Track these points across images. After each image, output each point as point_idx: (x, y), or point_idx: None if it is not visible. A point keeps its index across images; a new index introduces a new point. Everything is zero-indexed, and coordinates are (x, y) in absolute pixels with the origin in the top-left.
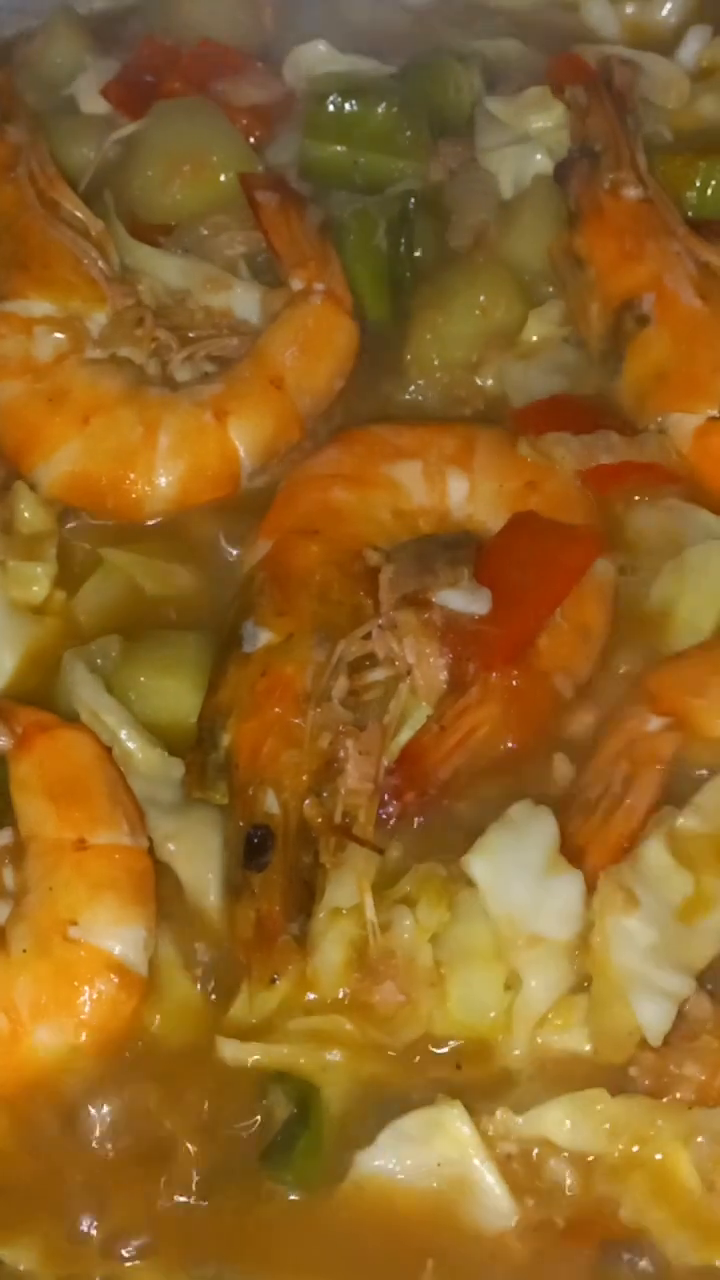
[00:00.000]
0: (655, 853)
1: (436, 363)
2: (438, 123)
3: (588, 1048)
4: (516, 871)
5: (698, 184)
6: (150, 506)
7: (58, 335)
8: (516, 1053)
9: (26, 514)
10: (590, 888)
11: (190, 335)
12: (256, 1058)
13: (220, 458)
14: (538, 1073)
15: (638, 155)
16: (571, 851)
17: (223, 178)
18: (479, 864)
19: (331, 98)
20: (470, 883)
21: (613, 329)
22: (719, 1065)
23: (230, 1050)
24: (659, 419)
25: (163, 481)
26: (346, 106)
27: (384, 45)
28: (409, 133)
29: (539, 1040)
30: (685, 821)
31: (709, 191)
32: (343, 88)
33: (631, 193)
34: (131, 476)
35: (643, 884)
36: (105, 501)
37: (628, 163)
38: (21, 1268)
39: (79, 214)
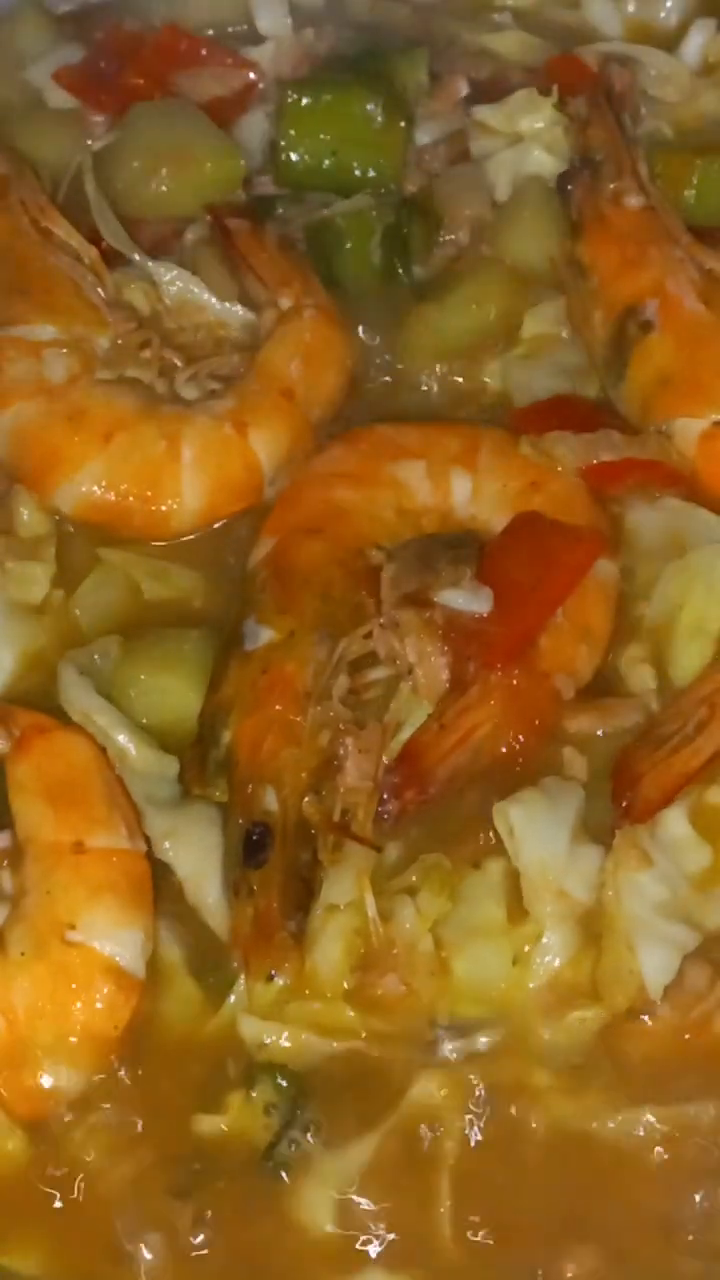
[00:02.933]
0: (675, 821)
1: (434, 361)
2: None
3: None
4: (548, 826)
5: (695, 181)
6: (178, 522)
7: (68, 357)
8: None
9: (26, 516)
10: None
11: (191, 352)
12: (273, 1038)
13: (244, 469)
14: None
15: (639, 164)
16: (628, 779)
17: (209, 166)
18: (514, 810)
19: (307, 95)
20: (475, 866)
21: (616, 336)
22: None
23: (250, 1028)
24: (664, 424)
25: (190, 495)
26: (323, 101)
27: (384, 40)
28: (388, 129)
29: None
30: (714, 795)
31: (707, 190)
32: (320, 84)
33: (633, 201)
34: (159, 491)
35: (658, 848)
36: (132, 519)
37: (629, 171)
38: (27, 1274)
39: (72, 242)
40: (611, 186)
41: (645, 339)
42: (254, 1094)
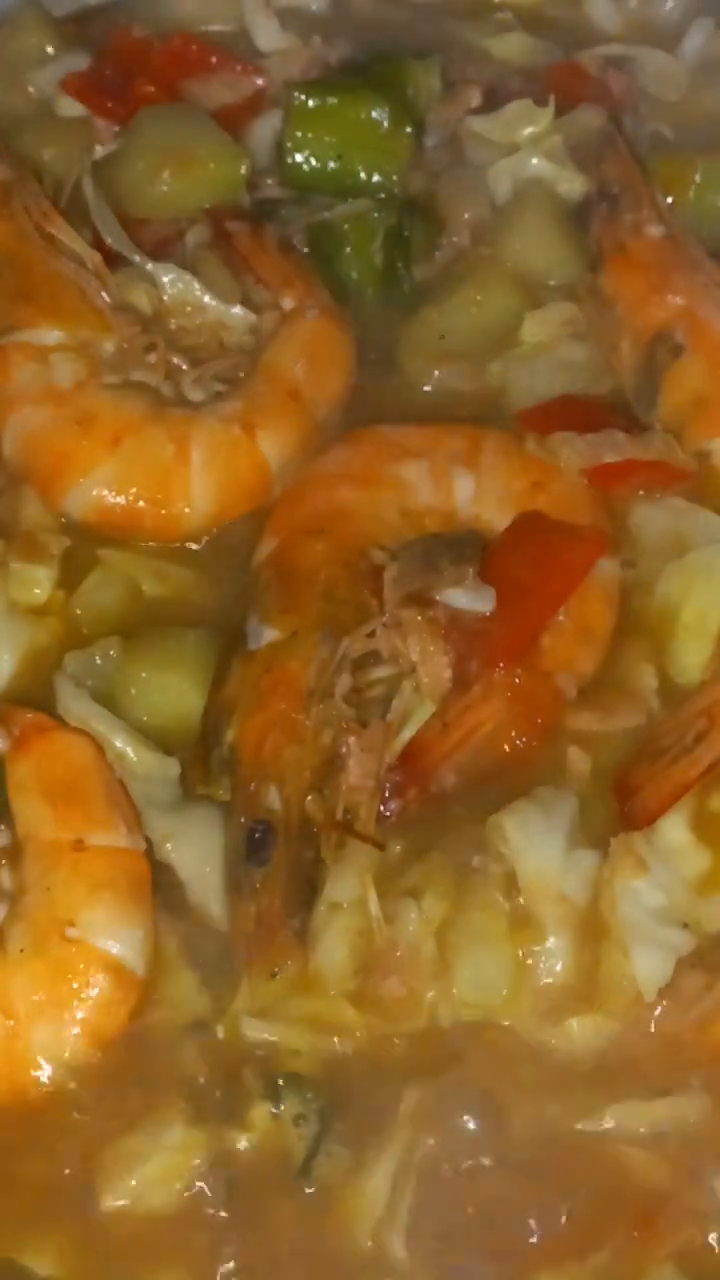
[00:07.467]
0: (674, 828)
1: (435, 362)
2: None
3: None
4: (544, 834)
5: (697, 181)
6: (188, 524)
7: (74, 362)
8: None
9: (30, 516)
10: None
11: (195, 354)
12: (277, 1039)
13: (253, 470)
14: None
15: (656, 194)
16: (627, 789)
17: (211, 167)
18: (509, 821)
19: (314, 98)
20: (480, 871)
21: (645, 362)
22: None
23: (253, 1029)
24: (704, 444)
25: (199, 497)
26: (330, 105)
27: (386, 40)
28: (394, 134)
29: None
30: (716, 803)
31: (708, 190)
32: (327, 87)
33: (654, 230)
34: (169, 494)
35: (655, 855)
36: (143, 522)
37: (648, 203)
38: (42, 1274)
39: (75, 247)
40: (630, 217)
41: (676, 363)
42: (281, 1107)
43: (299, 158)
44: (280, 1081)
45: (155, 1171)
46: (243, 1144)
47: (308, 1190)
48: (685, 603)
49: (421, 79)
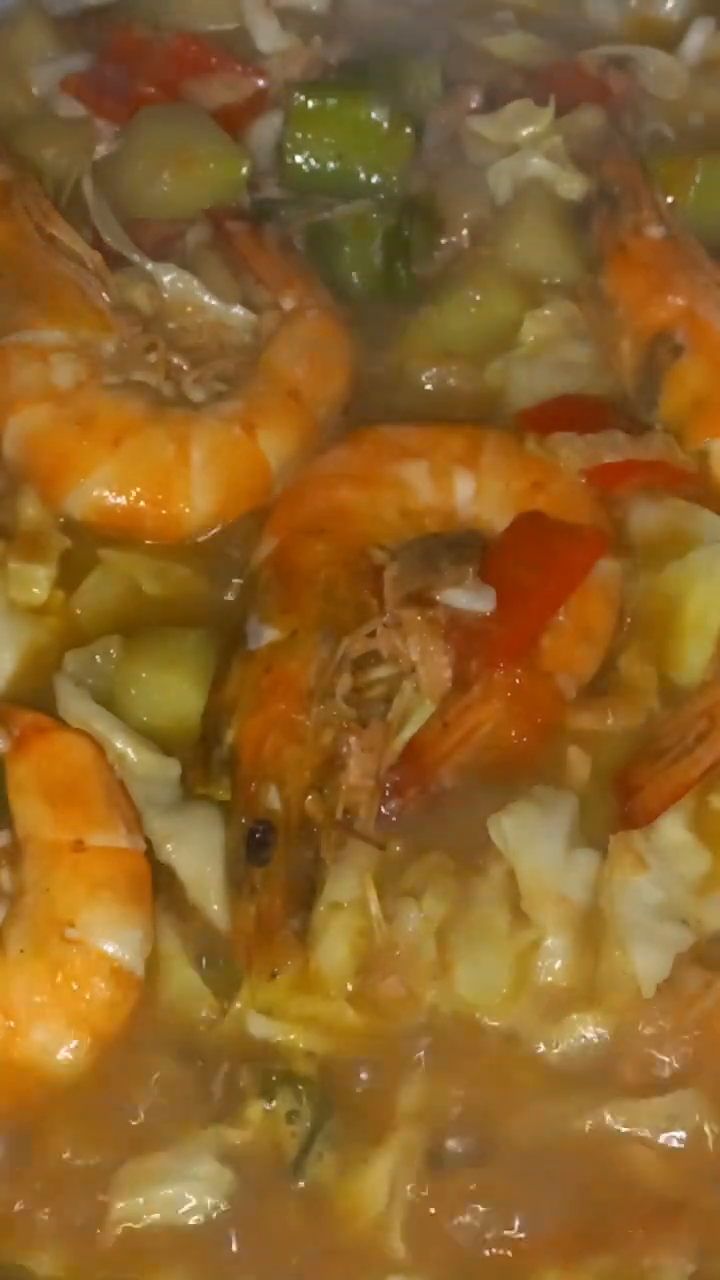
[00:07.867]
0: (673, 828)
1: (434, 362)
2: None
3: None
4: (543, 834)
5: (697, 181)
6: (189, 524)
7: (75, 362)
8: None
9: (30, 516)
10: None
11: (196, 354)
12: (280, 1037)
13: (253, 470)
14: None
15: (657, 195)
16: (627, 789)
17: (211, 167)
18: (508, 821)
19: (314, 99)
20: (480, 871)
21: (646, 363)
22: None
23: (259, 1027)
24: (704, 444)
25: (200, 497)
26: (330, 106)
27: (386, 40)
28: (394, 134)
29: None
30: (716, 802)
31: (708, 190)
32: (327, 88)
33: (654, 231)
34: (170, 494)
35: (655, 854)
36: (144, 522)
37: (648, 203)
38: (43, 1274)
39: (76, 247)
40: (631, 218)
41: (676, 363)
42: (274, 1104)
43: (299, 158)
44: (274, 1079)
45: (155, 1174)
46: (239, 1142)
47: (300, 1186)
48: (685, 603)
49: (421, 79)
